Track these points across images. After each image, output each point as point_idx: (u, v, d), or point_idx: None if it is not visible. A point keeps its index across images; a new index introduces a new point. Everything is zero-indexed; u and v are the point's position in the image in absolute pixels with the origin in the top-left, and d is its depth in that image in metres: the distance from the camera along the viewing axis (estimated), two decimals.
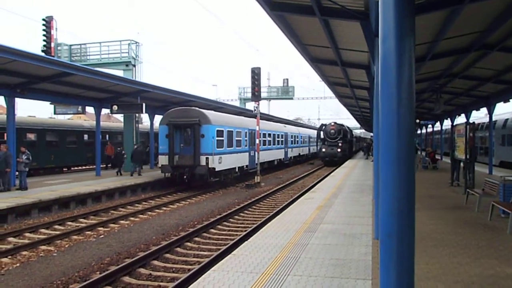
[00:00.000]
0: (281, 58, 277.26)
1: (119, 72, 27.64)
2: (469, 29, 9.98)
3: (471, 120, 25.35)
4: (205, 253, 10.65)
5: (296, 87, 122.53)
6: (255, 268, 7.04)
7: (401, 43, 3.03)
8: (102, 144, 27.99)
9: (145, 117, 39.06)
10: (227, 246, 10.63)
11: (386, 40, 3.09)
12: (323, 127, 43.69)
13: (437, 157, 32.80)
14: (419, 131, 51.48)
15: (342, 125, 43.96)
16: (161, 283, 8.44)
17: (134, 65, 28.39)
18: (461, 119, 31.05)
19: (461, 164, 16.69)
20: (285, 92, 54.46)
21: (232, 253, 8.08)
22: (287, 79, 55.23)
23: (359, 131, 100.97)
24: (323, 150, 41.60)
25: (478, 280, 6.32)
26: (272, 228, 10.19)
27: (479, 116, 43.26)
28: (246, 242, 9.00)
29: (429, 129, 50.23)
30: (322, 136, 42.92)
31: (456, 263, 7.18)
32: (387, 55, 3.09)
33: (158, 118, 27.91)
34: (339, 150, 40.88)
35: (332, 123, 43.16)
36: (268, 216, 14.47)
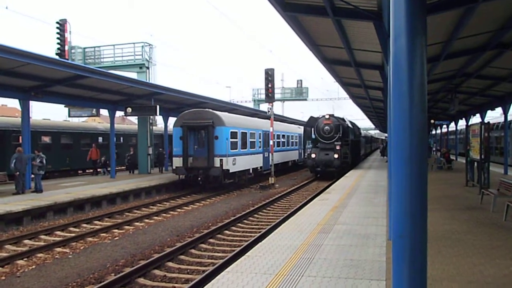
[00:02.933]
0: (295, 59, 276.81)
1: (133, 75, 27.74)
2: (483, 28, 9.87)
3: (486, 120, 25.03)
4: (220, 254, 10.67)
5: (310, 88, 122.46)
6: (269, 269, 7.05)
7: (412, 42, 3.02)
8: (117, 146, 28.20)
9: (159, 119, 39.23)
10: (241, 247, 10.64)
11: (398, 39, 3.08)
12: (315, 122, 29.95)
13: (452, 157, 32.46)
14: (433, 132, 51.00)
15: (342, 119, 31.34)
16: (175, 285, 8.48)
17: (148, 67, 28.52)
18: (476, 119, 30.69)
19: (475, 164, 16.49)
20: (299, 93, 54.32)
21: (246, 254, 8.10)
22: (301, 80, 55.12)
23: (373, 131, 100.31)
24: (313, 156, 28.59)
25: (493, 281, 6.25)
26: (286, 230, 10.18)
27: (495, 116, 42.64)
28: (260, 243, 9.01)
29: (444, 129, 49.69)
30: (313, 135, 30.16)
31: (471, 263, 7.12)
32: (399, 55, 3.08)
33: (172, 120, 28.07)
34: (336, 156, 27.82)
35: (327, 116, 29.66)
36: (282, 218, 14.43)
